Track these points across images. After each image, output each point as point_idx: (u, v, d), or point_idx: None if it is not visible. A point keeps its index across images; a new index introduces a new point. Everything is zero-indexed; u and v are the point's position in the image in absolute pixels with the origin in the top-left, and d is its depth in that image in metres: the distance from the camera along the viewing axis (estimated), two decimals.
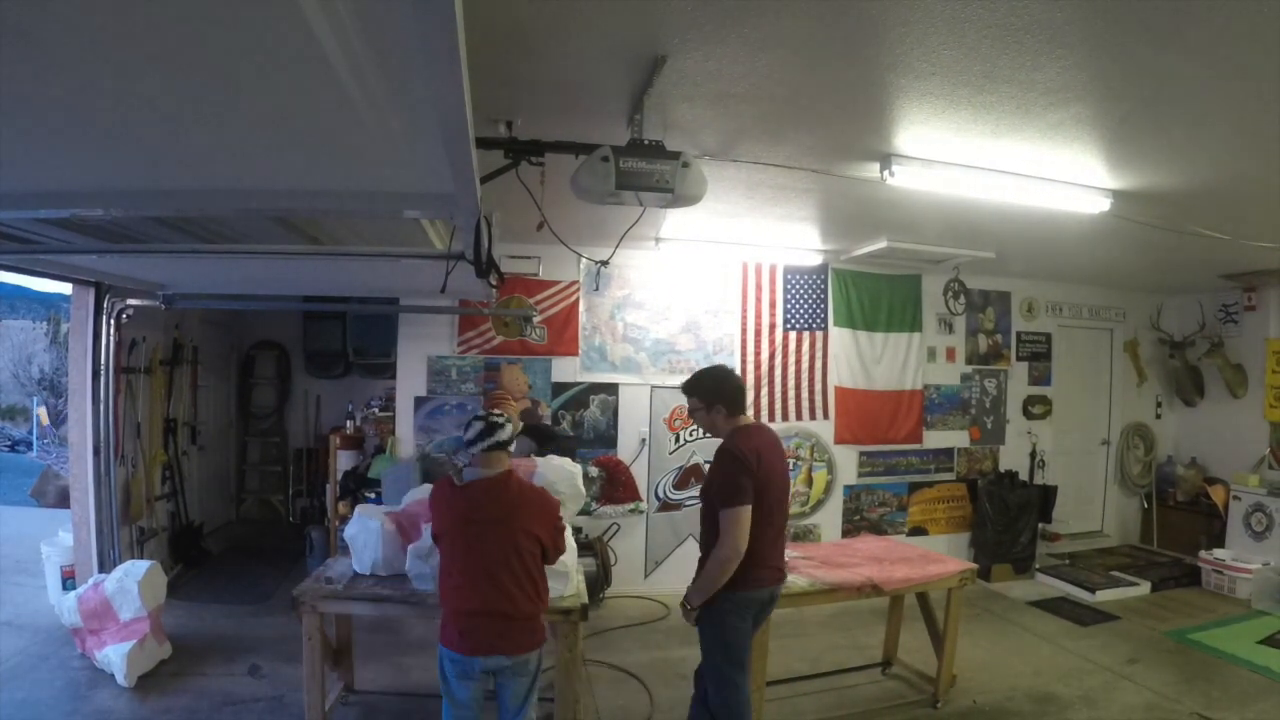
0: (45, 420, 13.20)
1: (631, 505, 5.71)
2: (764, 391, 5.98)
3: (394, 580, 3.29)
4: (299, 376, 7.83)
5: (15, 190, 2.23)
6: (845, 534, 6.15)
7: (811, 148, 3.28)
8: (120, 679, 3.81)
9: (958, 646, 3.98)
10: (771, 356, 6.02)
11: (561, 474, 3.48)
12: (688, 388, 2.98)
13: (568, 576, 3.28)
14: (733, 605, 2.80)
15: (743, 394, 2.97)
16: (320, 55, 1.30)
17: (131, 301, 4.89)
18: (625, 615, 5.23)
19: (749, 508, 2.69)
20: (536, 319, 5.61)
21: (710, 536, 2.81)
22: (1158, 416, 7.53)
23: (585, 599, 3.31)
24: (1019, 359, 6.85)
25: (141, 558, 4.94)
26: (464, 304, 5.42)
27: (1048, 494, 6.44)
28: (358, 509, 3.63)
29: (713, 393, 2.91)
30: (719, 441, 2.87)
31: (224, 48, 1.33)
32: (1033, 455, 6.81)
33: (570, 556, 3.33)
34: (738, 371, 5.88)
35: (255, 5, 1.18)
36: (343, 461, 5.84)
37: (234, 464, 7.55)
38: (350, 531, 3.44)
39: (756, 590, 2.85)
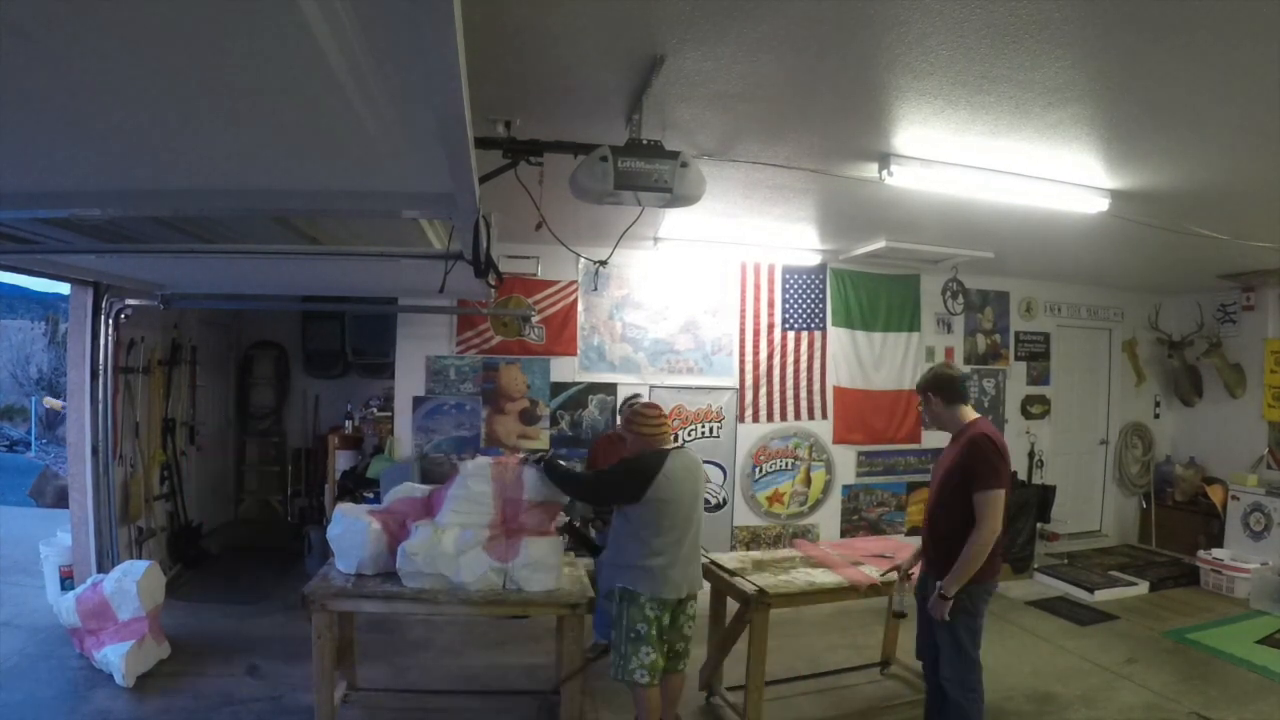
0: (58, 407, 13.00)
1: None
2: (762, 391, 5.97)
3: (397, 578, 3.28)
4: (298, 376, 7.82)
5: (15, 190, 2.23)
6: (844, 534, 6.15)
7: (810, 147, 3.28)
8: (119, 679, 3.80)
9: None
10: (770, 356, 6.02)
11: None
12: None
13: (556, 570, 3.32)
14: (984, 594, 3.00)
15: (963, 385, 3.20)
16: (319, 55, 1.30)
17: (130, 301, 4.88)
18: None
19: (1004, 492, 2.82)
20: (535, 319, 5.61)
21: (950, 521, 2.91)
22: (1156, 416, 7.54)
23: (591, 594, 3.34)
24: (1017, 359, 6.86)
25: (140, 558, 4.94)
26: (462, 304, 5.41)
27: (1046, 494, 6.43)
28: (338, 508, 3.59)
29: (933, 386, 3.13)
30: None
31: (223, 48, 1.33)
32: (1031, 455, 6.82)
33: (554, 553, 3.36)
34: (736, 370, 5.93)
35: (254, 5, 1.18)
36: (341, 461, 5.84)
37: (233, 464, 7.53)
38: (334, 531, 3.41)
39: (996, 580, 3.03)
